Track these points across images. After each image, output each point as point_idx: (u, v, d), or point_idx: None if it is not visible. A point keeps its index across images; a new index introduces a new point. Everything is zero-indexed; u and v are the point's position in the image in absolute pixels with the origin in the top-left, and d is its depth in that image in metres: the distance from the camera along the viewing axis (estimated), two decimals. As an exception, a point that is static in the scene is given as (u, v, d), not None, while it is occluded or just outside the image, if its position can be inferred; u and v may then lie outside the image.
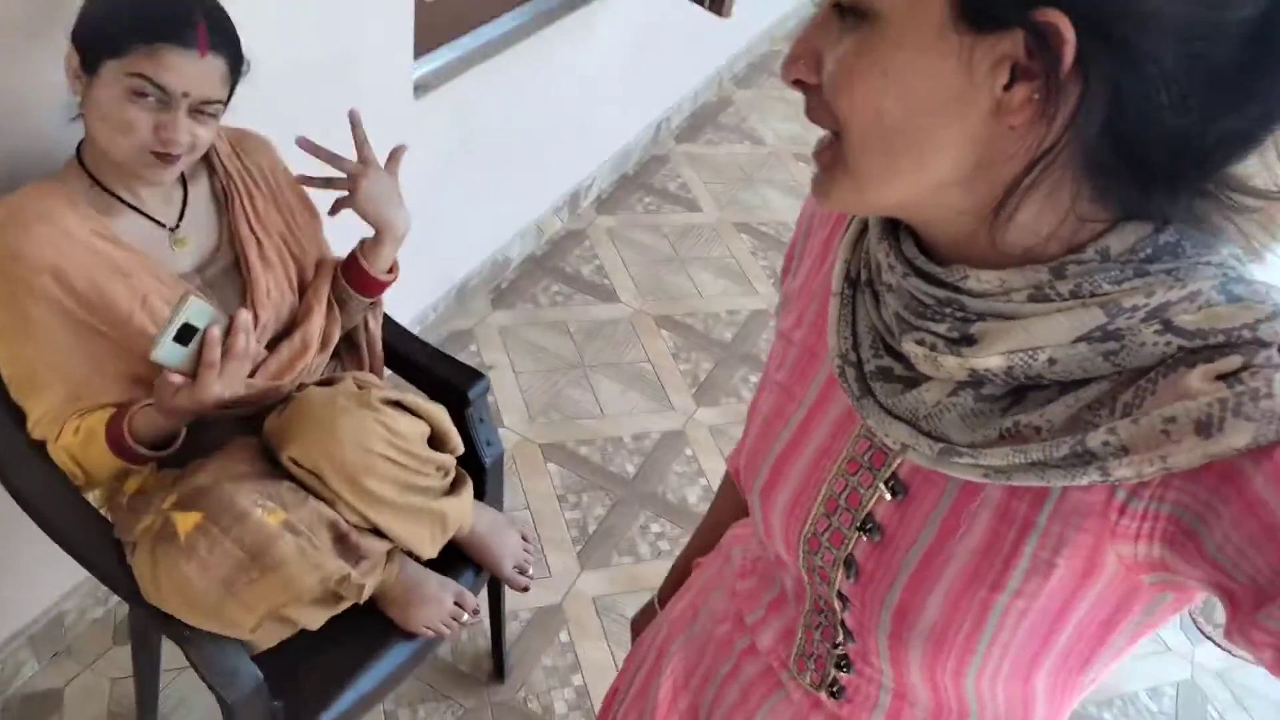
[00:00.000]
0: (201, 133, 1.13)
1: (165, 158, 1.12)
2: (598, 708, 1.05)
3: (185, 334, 1.06)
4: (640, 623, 1.10)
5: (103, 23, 1.07)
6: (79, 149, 1.19)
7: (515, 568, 1.52)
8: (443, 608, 1.39)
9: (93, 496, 1.28)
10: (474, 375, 1.54)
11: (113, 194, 1.19)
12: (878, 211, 0.58)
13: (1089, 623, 0.58)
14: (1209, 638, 0.51)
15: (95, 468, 1.19)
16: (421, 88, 2.03)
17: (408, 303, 2.42)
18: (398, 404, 1.29)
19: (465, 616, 1.41)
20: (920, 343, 0.55)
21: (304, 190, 1.40)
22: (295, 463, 1.21)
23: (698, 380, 2.63)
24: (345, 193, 1.35)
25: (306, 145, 1.31)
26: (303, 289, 1.38)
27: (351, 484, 1.21)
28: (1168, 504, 0.50)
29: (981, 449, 0.53)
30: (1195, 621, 0.56)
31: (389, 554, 1.32)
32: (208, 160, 1.29)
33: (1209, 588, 0.49)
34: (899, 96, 0.48)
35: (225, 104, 1.15)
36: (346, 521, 1.22)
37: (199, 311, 1.07)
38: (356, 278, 1.40)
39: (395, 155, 1.42)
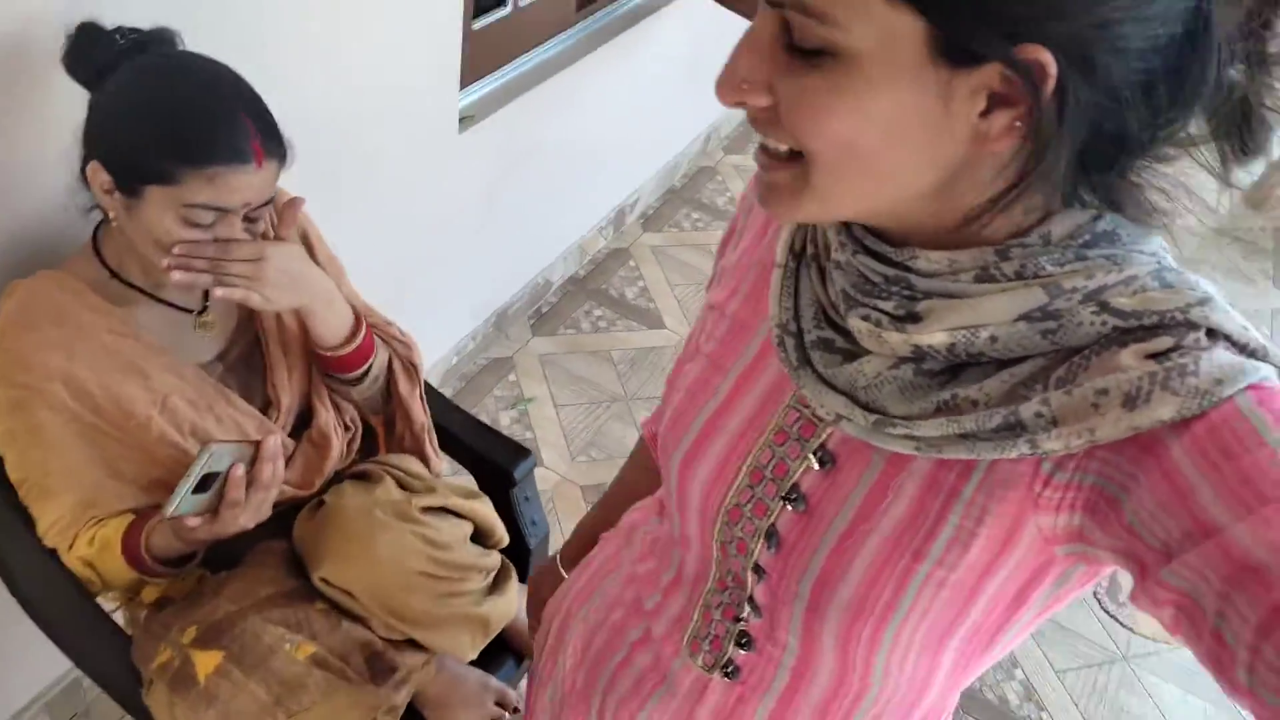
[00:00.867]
0: (255, 231, 1.04)
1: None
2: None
3: (204, 480, 0.96)
4: (538, 581, 1.08)
5: (144, 151, 0.96)
6: (95, 237, 1.09)
7: None
8: (483, 709, 1.30)
9: (109, 596, 1.19)
10: (519, 452, 1.43)
11: (132, 285, 1.09)
12: (838, 220, 0.58)
13: (1002, 595, 0.59)
14: (1112, 616, 0.51)
15: (112, 577, 1.10)
16: (466, 119, 1.91)
17: (445, 332, 2.33)
18: (440, 507, 1.19)
19: (507, 716, 1.32)
20: (866, 319, 0.56)
21: (316, 243, 1.27)
22: (326, 582, 1.11)
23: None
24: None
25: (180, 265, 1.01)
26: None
27: (388, 607, 1.11)
28: (1091, 475, 0.51)
29: (916, 420, 0.54)
30: (1100, 600, 0.56)
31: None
32: None
33: (1120, 557, 0.51)
34: (874, 131, 0.49)
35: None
36: (381, 639, 1.12)
37: (220, 457, 0.97)
38: (318, 358, 1.23)
39: (290, 209, 1.11)
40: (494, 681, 1.33)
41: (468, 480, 1.44)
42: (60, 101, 1.08)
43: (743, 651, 0.72)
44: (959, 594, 0.59)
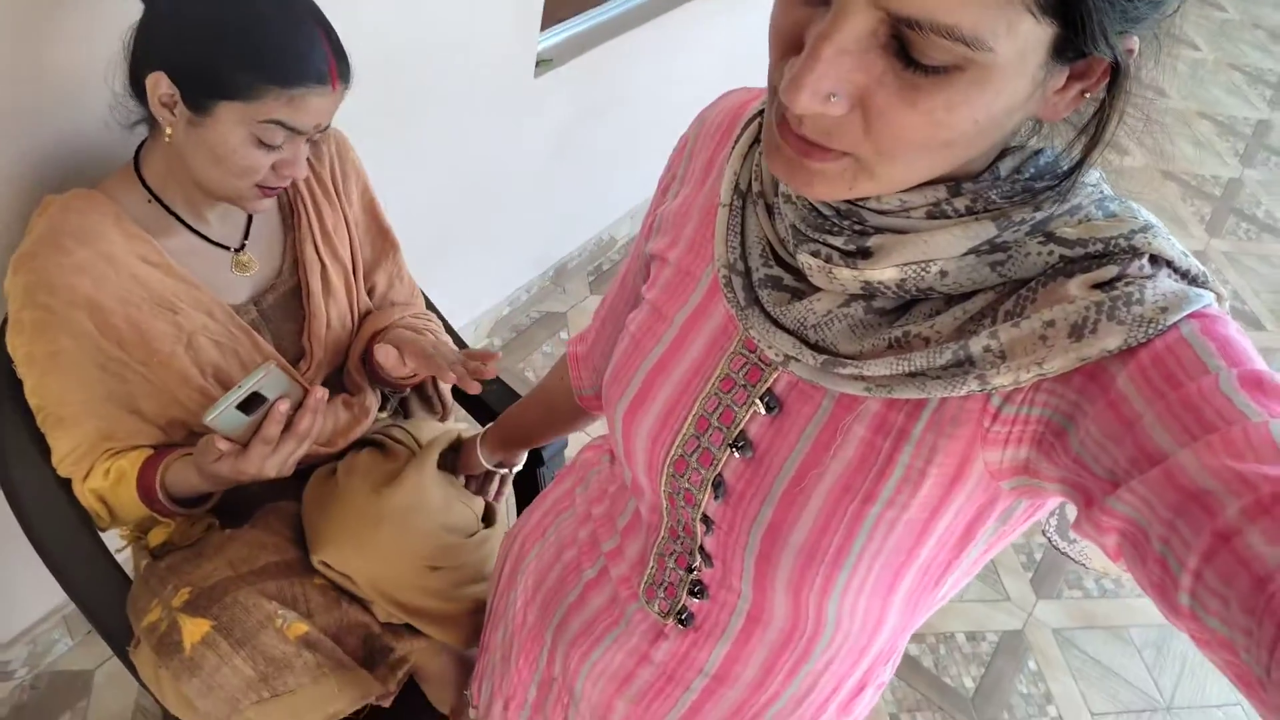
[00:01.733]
0: (310, 153, 0.99)
1: (272, 190, 0.99)
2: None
3: (249, 401, 0.90)
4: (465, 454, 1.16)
5: (223, 63, 0.89)
6: (137, 157, 1.02)
7: None
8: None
9: (116, 532, 1.15)
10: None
11: (171, 212, 1.02)
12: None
13: (950, 532, 0.59)
14: (1063, 553, 0.49)
15: (123, 511, 1.05)
16: (544, 63, 1.81)
17: (500, 280, 2.25)
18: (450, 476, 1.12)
19: None
20: (815, 254, 0.56)
21: (377, 208, 1.21)
22: (327, 565, 1.05)
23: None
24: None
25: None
26: (364, 322, 1.21)
27: (391, 598, 1.05)
28: (1038, 407, 0.52)
29: (867, 359, 0.54)
30: (1049, 538, 0.55)
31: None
32: None
33: (1066, 487, 0.51)
34: (975, 129, 0.48)
35: None
36: (379, 622, 1.06)
37: (274, 383, 0.91)
38: (374, 371, 1.19)
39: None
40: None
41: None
42: (105, 3, 1.01)
43: (696, 600, 0.72)
44: (909, 534, 0.59)
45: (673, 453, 0.67)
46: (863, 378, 0.55)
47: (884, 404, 0.58)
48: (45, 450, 1.05)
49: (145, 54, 0.93)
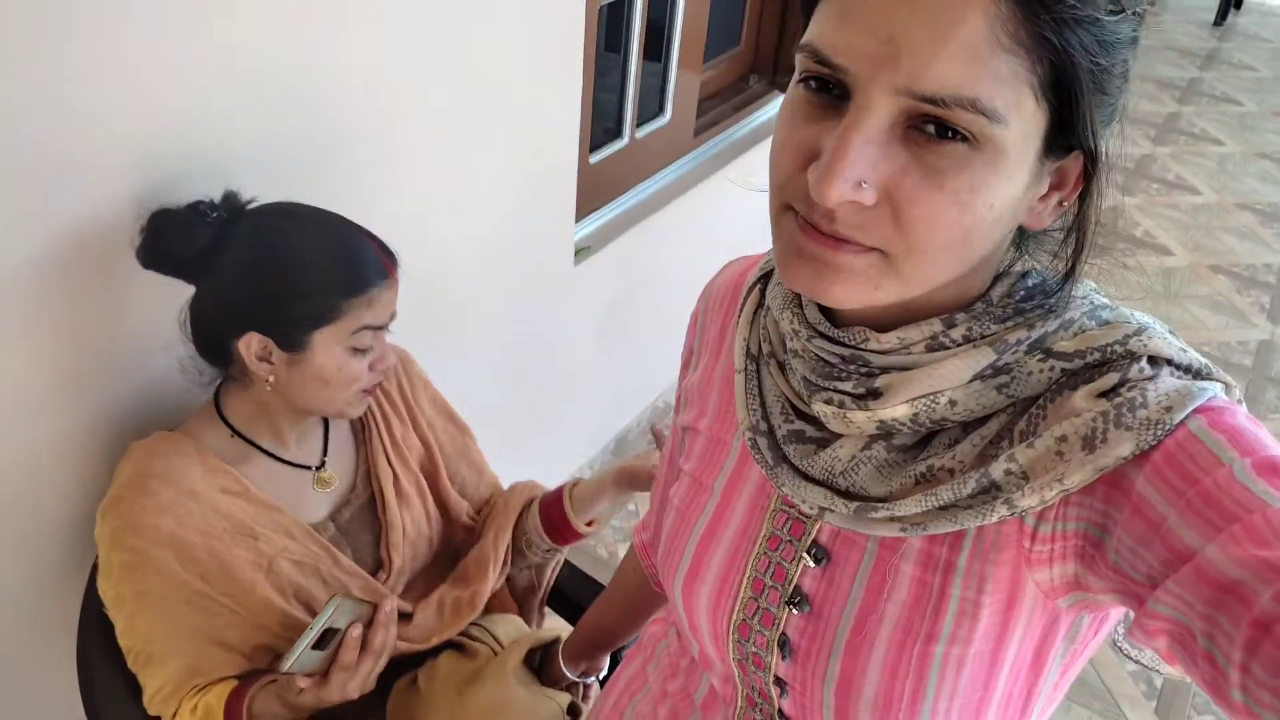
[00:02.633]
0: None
1: (372, 390, 1.07)
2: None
3: (323, 636, 0.92)
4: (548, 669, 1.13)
5: (306, 302, 0.98)
6: (216, 398, 1.09)
7: None
8: None
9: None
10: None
11: (253, 443, 1.08)
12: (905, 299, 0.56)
13: (1020, 661, 0.59)
14: (1136, 660, 0.45)
15: None
16: (582, 251, 1.90)
17: (563, 461, 2.28)
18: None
19: None
20: (829, 402, 0.57)
21: (447, 405, 1.27)
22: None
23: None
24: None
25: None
26: (446, 520, 1.24)
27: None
28: (1072, 521, 0.52)
29: (897, 500, 0.55)
30: (1120, 648, 0.61)
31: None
32: None
33: (1116, 596, 0.50)
34: (990, 219, 0.50)
35: None
36: None
37: (344, 613, 0.94)
38: (554, 523, 1.25)
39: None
40: None
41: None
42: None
43: None
44: (980, 668, 0.58)
45: (734, 618, 0.67)
46: (896, 519, 0.55)
47: (926, 539, 0.58)
48: (137, 690, 1.07)
49: (224, 323, 1.00)
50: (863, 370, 0.57)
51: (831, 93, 0.49)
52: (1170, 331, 0.56)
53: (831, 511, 0.58)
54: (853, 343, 0.57)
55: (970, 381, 0.54)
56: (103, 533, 1.03)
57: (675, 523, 0.72)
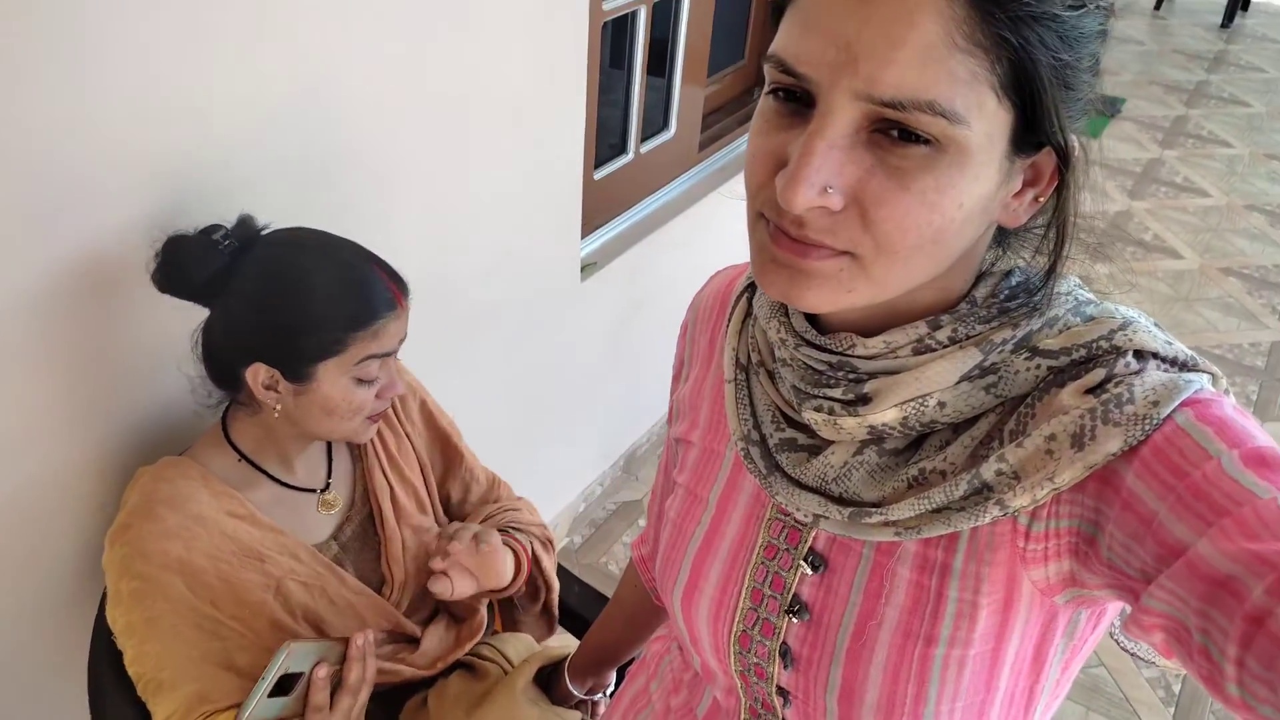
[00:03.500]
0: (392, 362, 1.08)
1: (379, 416, 1.07)
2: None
3: (287, 681, 0.92)
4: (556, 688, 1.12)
5: (311, 335, 0.98)
6: (223, 422, 1.09)
7: None
8: None
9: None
10: (644, 626, 1.33)
11: (259, 468, 1.08)
12: (879, 301, 0.56)
13: (1021, 659, 0.59)
14: (1132, 654, 0.44)
15: None
16: (588, 267, 1.90)
17: (573, 477, 2.28)
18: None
19: None
20: (819, 409, 0.57)
21: (439, 422, 1.26)
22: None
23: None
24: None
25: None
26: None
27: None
28: (1064, 519, 0.52)
29: (890, 504, 0.55)
30: (1116, 640, 0.60)
31: None
32: None
33: (1113, 592, 0.51)
34: (960, 219, 0.50)
35: None
36: None
37: (301, 658, 0.93)
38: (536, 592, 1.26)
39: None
40: None
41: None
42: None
43: None
44: (981, 669, 0.58)
45: (735, 629, 0.67)
46: (890, 523, 0.56)
47: (921, 542, 0.58)
48: (147, 717, 1.07)
49: (232, 352, 1.01)
50: (851, 376, 0.57)
51: (798, 101, 0.50)
52: (1155, 324, 0.56)
53: (826, 518, 0.58)
54: (839, 349, 0.57)
55: (958, 383, 0.55)
56: (111, 560, 1.03)
57: (672, 535, 0.72)
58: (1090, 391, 0.52)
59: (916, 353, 0.55)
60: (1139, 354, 0.53)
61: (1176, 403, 0.49)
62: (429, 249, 1.46)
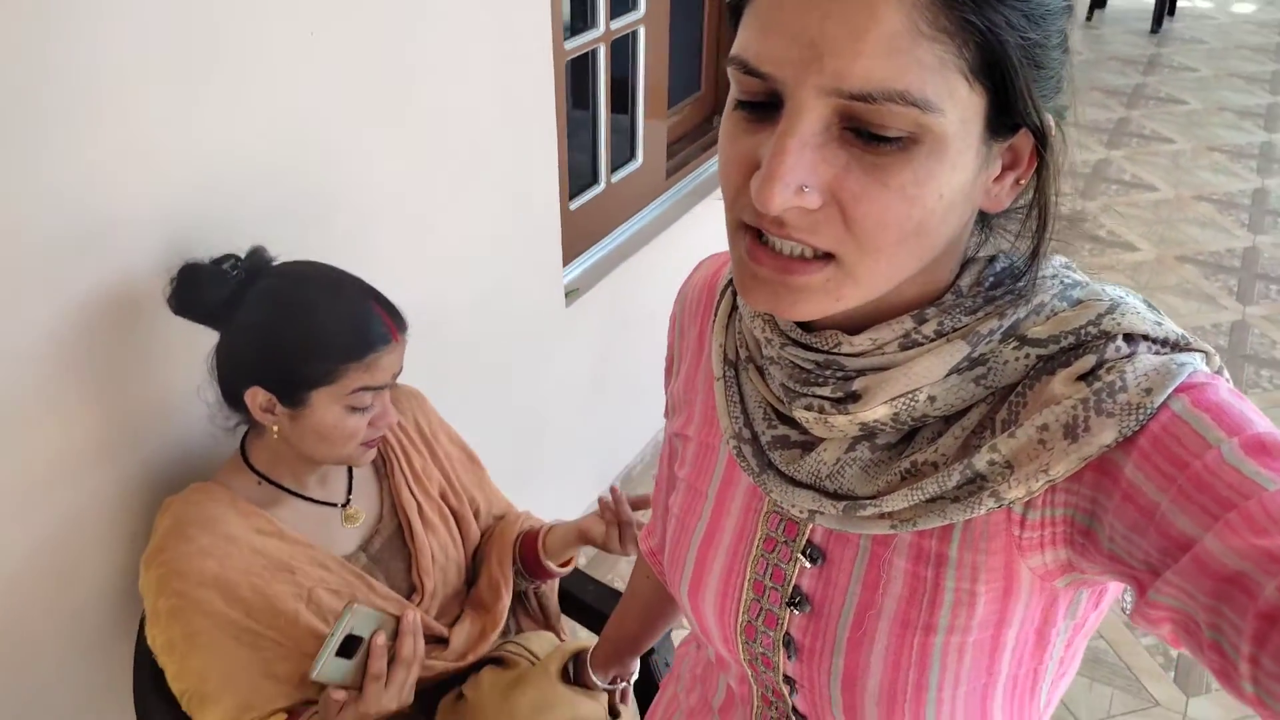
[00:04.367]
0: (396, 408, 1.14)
1: (374, 442, 1.13)
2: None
3: (349, 645, 0.98)
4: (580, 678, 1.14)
5: (307, 364, 1.05)
6: (243, 448, 1.16)
7: None
8: None
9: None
10: (655, 617, 1.40)
11: (280, 486, 1.15)
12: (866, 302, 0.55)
13: (1022, 644, 0.59)
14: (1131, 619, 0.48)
15: None
16: (572, 294, 1.99)
17: (572, 501, 2.34)
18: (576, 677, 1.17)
19: None
20: (809, 408, 0.57)
21: (460, 439, 1.34)
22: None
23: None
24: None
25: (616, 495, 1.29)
26: (467, 545, 1.30)
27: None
28: (1060, 508, 0.52)
29: (884, 496, 0.55)
30: (1126, 611, 0.52)
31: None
32: None
33: (1115, 578, 0.50)
34: (941, 210, 0.49)
35: None
36: None
37: (364, 620, 0.99)
38: (531, 561, 1.32)
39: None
40: None
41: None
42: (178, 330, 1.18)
43: None
44: (981, 655, 0.58)
45: (740, 620, 0.67)
46: (885, 515, 0.55)
47: (916, 533, 0.58)
48: (193, 734, 1.12)
49: (235, 374, 1.08)
50: (839, 375, 0.56)
51: (765, 105, 0.49)
52: (1146, 303, 0.55)
53: (821, 514, 0.58)
54: (826, 348, 0.57)
55: (947, 376, 0.54)
56: (148, 583, 1.09)
57: (676, 530, 0.73)
58: (1082, 379, 0.51)
59: (903, 348, 0.55)
60: (1129, 337, 0.52)
61: (1170, 389, 0.48)
62: (417, 286, 1.54)
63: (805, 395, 0.58)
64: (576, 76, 1.97)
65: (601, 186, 2.08)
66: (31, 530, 1.11)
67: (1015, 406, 0.53)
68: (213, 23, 1.10)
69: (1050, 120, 0.50)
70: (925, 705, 0.60)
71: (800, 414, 0.58)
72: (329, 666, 0.97)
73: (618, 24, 1.99)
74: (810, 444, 0.59)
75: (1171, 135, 4.77)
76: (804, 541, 0.64)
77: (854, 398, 0.56)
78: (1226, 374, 0.53)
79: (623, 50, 2.07)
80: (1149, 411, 0.48)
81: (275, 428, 1.08)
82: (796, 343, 0.58)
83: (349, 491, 1.21)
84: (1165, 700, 2.02)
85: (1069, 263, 0.58)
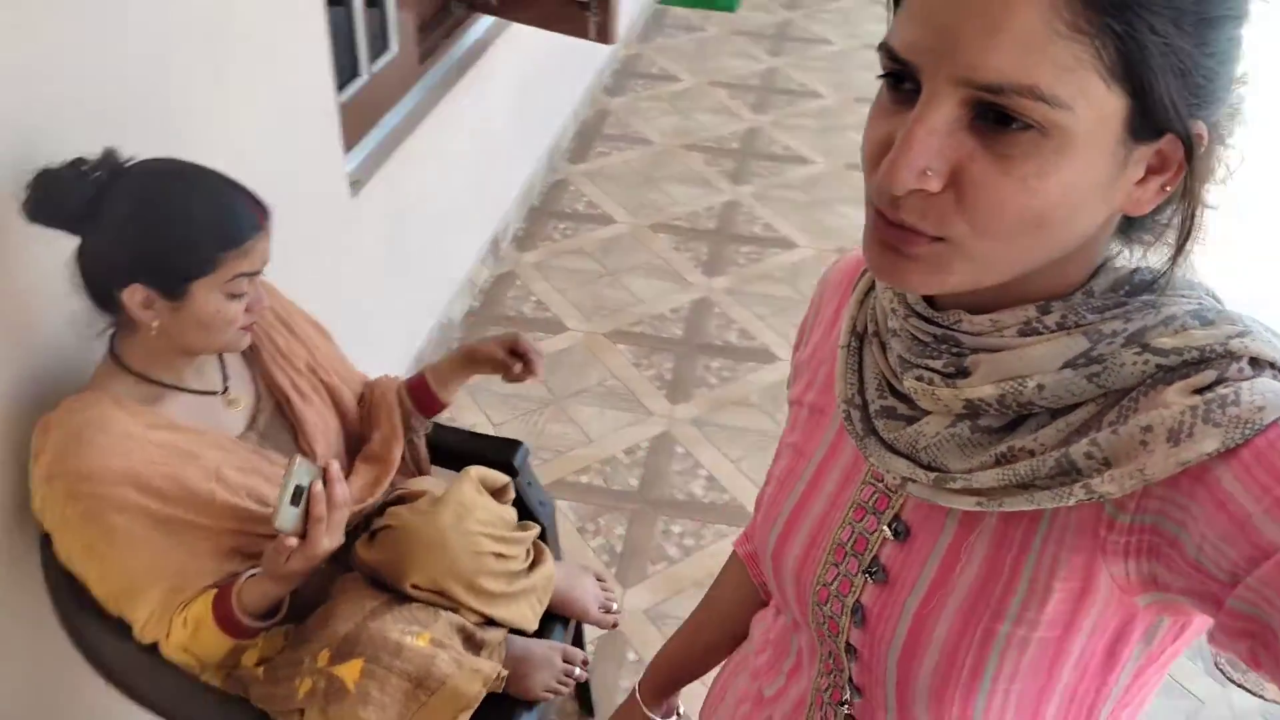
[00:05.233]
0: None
1: (250, 326, 1.19)
2: (684, 708, 1.07)
3: (295, 496, 1.10)
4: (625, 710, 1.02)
5: (185, 254, 1.09)
6: (111, 351, 1.19)
7: (600, 609, 1.60)
8: (554, 668, 1.45)
9: (206, 678, 1.27)
10: (512, 445, 1.61)
11: (158, 383, 1.20)
12: (981, 285, 0.56)
13: (1090, 654, 0.59)
14: (1239, 684, 0.53)
15: (209, 652, 1.19)
16: (356, 183, 2.06)
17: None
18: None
19: (577, 670, 1.47)
20: (919, 379, 0.59)
21: (312, 317, 1.44)
22: (417, 587, 1.27)
23: (665, 381, 2.74)
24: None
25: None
26: (341, 412, 1.43)
27: (473, 589, 1.28)
28: (1150, 515, 0.52)
29: (975, 473, 0.56)
30: (1221, 669, 0.55)
31: (497, 637, 1.39)
32: None
33: (1194, 597, 0.50)
34: (1066, 204, 0.50)
35: None
36: (470, 623, 1.29)
37: (305, 470, 1.11)
38: (424, 400, 1.48)
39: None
40: (556, 644, 1.49)
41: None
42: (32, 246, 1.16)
43: None
44: (1044, 654, 0.59)
45: (815, 581, 0.69)
46: (972, 491, 0.56)
47: (1002, 520, 0.59)
48: (123, 629, 1.17)
49: (108, 275, 1.11)
50: (954, 350, 0.58)
51: (906, 89, 0.51)
52: (1277, 335, 0.54)
53: (913, 481, 0.60)
54: (946, 323, 0.58)
55: (1061, 369, 0.54)
56: (51, 496, 1.12)
57: (774, 491, 0.75)
58: (1197, 392, 0.51)
59: (1022, 334, 0.56)
60: (1255, 362, 0.52)
61: None
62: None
63: (918, 366, 0.59)
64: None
65: (365, 77, 2.14)
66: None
67: (1126, 410, 0.53)
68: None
69: (1202, 129, 0.50)
70: (977, 694, 0.60)
71: (910, 384, 0.60)
72: (285, 515, 1.09)
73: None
74: (915, 418, 0.61)
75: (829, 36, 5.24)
76: (892, 515, 0.65)
77: (963, 373, 0.57)
78: None
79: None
80: (1258, 426, 0.48)
81: (155, 323, 1.12)
82: (920, 315, 0.60)
83: (225, 380, 1.29)
84: (658, 410, 2.60)
85: (1213, 292, 0.58)
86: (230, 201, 1.14)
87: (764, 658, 0.83)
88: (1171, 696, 2.01)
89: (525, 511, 1.57)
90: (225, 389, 1.28)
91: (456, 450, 1.59)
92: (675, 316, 2.98)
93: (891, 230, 0.53)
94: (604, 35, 2.36)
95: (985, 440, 0.57)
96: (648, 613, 2.16)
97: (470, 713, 1.26)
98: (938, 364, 0.58)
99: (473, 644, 1.30)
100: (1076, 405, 0.55)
